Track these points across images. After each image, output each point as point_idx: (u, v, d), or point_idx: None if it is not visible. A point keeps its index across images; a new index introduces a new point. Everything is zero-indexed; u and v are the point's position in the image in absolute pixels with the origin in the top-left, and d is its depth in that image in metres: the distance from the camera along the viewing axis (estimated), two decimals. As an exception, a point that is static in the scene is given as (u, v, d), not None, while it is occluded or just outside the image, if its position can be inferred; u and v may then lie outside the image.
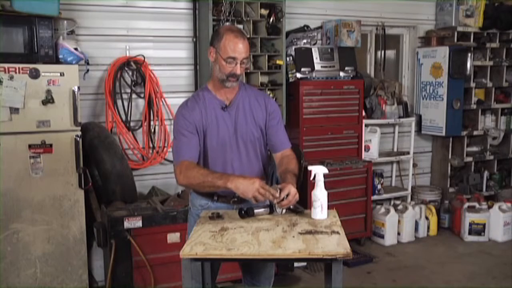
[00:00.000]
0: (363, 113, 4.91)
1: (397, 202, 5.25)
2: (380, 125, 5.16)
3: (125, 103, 4.18)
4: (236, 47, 2.30)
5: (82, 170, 3.52)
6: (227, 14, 4.14)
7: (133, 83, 4.19)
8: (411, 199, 5.48)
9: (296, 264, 4.14)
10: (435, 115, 5.39)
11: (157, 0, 4.28)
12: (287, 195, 2.22)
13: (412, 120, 5.40)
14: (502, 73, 5.66)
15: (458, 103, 5.29)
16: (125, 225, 3.49)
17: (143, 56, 4.16)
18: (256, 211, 2.31)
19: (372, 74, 5.49)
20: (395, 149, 5.61)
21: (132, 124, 4.23)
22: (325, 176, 2.31)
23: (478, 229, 5.02)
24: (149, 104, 4.25)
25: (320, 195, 2.28)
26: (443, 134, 5.37)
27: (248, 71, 4.35)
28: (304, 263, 4.22)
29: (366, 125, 5.00)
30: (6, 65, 3.26)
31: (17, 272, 3.42)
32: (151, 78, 4.23)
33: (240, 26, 4.18)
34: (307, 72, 4.55)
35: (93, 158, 3.71)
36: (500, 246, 4.93)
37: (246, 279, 2.70)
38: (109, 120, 4.11)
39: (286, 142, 2.57)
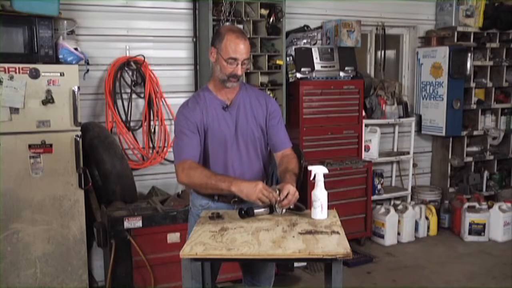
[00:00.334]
0: (363, 113, 4.92)
1: (397, 202, 5.25)
2: (380, 125, 5.16)
3: (125, 103, 4.18)
4: (237, 48, 2.30)
5: (82, 170, 3.52)
6: (227, 14, 4.14)
7: (133, 83, 4.19)
8: (411, 199, 5.48)
9: (296, 264, 4.14)
10: (435, 115, 5.39)
11: (157, 0, 4.29)
12: (287, 195, 2.22)
13: (412, 120, 5.40)
14: (502, 73, 5.66)
15: (458, 103, 5.29)
16: (125, 225, 3.49)
17: (143, 56, 4.16)
18: (256, 211, 2.31)
19: (372, 74, 5.49)
20: (395, 149, 5.61)
21: (132, 124, 4.23)
22: (325, 176, 2.31)
23: (478, 229, 5.02)
24: (149, 104, 4.25)
25: (320, 195, 2.28)
26: (443, 134, 5.37)
27: (248, 71, 4.35)
28: (304, 263, 4.22)
29: (366, 125, 5.00)
30: (6, 65, 3.26)
31: (17, 272, 3.42)
32: (151, 78, 4.23)
33: (240, 26, 4.17)
34: (307, 72, 4.55)
35: (93, 158, 3.71)
36: (500, 246, 4.93)
37: (246, 279, 2.70)
38: (109, 120, 4.11)
39: (286, 141, 2.57)
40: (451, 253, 4.78)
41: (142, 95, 4.24)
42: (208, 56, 4.19)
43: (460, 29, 5.36)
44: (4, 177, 3.32)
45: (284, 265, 3.96)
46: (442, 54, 5.25)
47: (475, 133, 5.61)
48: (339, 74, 4.71)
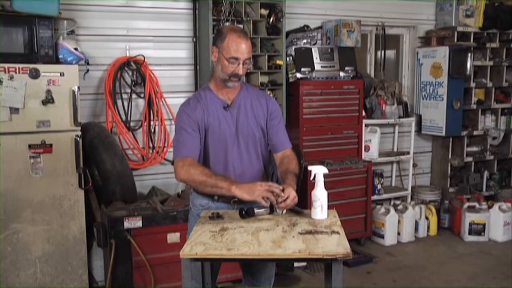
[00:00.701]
0: (363, 113, 4.91)
1: (397, 202, 5.26)
2: (380, 125, 5.16)
3: (125, 103, 4.18)
4: (239, 48, 2.30)
5: (82, 170, 3.52)
6: (227, 14, 4.14)
7: (133, 83, 4.19)
8: (411, 199, 5.48)
9: (296, 264, 4.14)
10: (435, 115, 5.39)
11: (157, 0, 4.29)
12: (286, 198, 2.22)
13: (412, 120, 5.40)
14: (502, 73, 5.66)
15: (458, 103, 5.29)
16: (125, 225, 3.49)
17: (143, 56, 4.16)
18: (256, 211, 2.31)
19: (372, 74, 5.49)
20: (395, 149, 5.61)
21: (132, 124, 4.23)
22: (325, 176, 2.31)
23: (478, 229, 5.02)
24: (149, 104, 4.25)
25: (320, 195, 2.28)
26: (443, 134, 5.37)
27: (248, 71, 4.35)
28: (304, 263, 4.22)
29: (366, 125, 5.00)
30: (6, 65, 3.26)
31: (17, 272, 3.42)
32: (151, 78, 4.23)
33: (240, 26, 4.17)
34: (307, 72, 4.55)
35: (93, 158, 3.71)
36: (500, 246, 4.93)
37: (246, 279, 2.70)
38: (109, 120, 4.11)
39: (286, 142, 2.58)
40: (451, 253, 4.78)
41: (142, 95, 4.24)
42: (208, 56, 4.24)
43: (460, 29, 5.35)
44: (4, 177, 3.32)
45: (284, 265, 3.96)
46: (442, 54, 5.25)
47: (475, 133, 5.61)
48: (339, 74, 4.71)
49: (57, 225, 3.50)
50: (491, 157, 5.75)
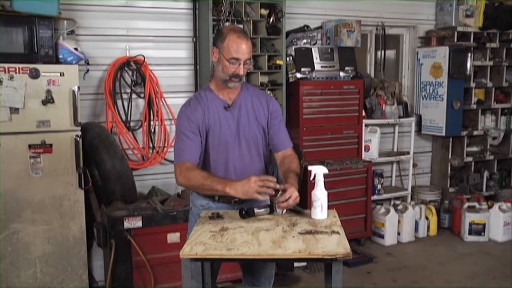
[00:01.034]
0: (363, 113, 4.91)
1: (397, 202, 5.26)
2: (380, 125, 5.16)
3: (125, 103, 4.18)
4: (240, 48, 2.30)
5: (82, 170, 3.52)
6: (227, 14, 4.14)
7: (133, 83, 4.19)
8: (411, 199, 5.48)
9: (296, 264, 4.15)
10: (435, 115, 5.39)
11: (157, 0, 4.28)
12: (288, 198, 2.22)
13: (412, 120, 5.40)
14: (502, 73, 5.65)
15: (458, 103, 5.29)
16: (125, 225, 3.49)
17: (143, 56, 4.16)
18: (256, 211, 2.31)
19: (372, 74, 5.49)
20: (395, 149, 5.61)
21: (132, 124, 4.23)
22: (325, 176, 2.31)
23: (478, 229, 5.02)
24: (149, 104, 4.25)
25: (320, 195, 2.29)
26: (443, 134, 5.37)
27: (249, 71, 4.34)
28: (304, 263, 4.22)
29: (366, 125, 5.00)
30: (6, 65, 3.25)
31: (17, 272, 3.42)
32: (151, 78, 4.23)
33: (240, 26, 4.17)
34: (307, 72, 4.55)
35: (93, 158, 3.71)
36: (500, 246, 4.93)
37: (246, 279, 2.70)
38: (109, 120, 4.11)
39: (287, 142, 2.58)
40: (451, 253, 4.78)
41: (142, 95, 4.23)
42: (208, 56, 4.24)
43: (460, 29, 5.35)
44: (4, 177, 3.32)
45: (284, 265, 3.96)
46: (442, 54, 5.25)
47: (475, 133, 5.61)
48: (339, 74, 4.71)
49: (57, 225, 3.50)
50: (491, 157, 5.75)
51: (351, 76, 4.78)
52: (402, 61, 5.77)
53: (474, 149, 5.79)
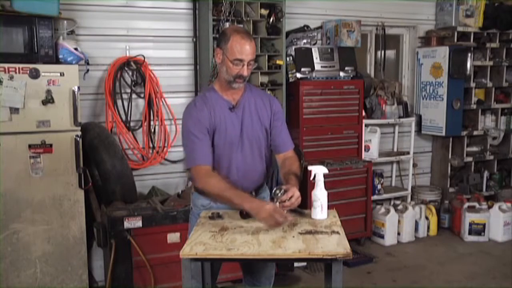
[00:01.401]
0: (363, 113, 4.91)
1: (397, 202, 5.26)
2: (380, 125, 5.15)
3: (125, 103, 4.18)
4: (243, 49, 2.29)
5: (82, 170, 3.52)
6: (227, 14, 4.14)
7: (133, 83, 4.19)
8: (411, 199, 5.48)
9: (296, 264, 4.15)
10: (435, 115, 5.39)
11: (157, 0, 4.28)
12: (291, 197, 2.22)
13: (412, 120, 5.40)
14: (502, 73, 5.65)
15: (458, 103, 5.29)
16: (125, 225, 3.49)
17: (143, 56, 4.16)
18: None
19: (372, 74, 5.49)
20: (395, 149, 5.61)
21: (132, 124, 4.23)
22: (325, 176, 2.32)
23: (478, 229, 5.02)
24: (149, 104, 4.25)
25: (320, 195, 2.29)
26: (443, 134, 5.37)
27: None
28: (304, 263, 4.22)
29: (366, 125, 5.00)
30: (6, 65, 3.25)
31: (17, 272, 3.42)
32: (151, 78, 4.23)
33: (240, 26, 4.17)
34: (307, 72, 4.55)
35: (93, 158, 3.71)
36: (500, 246, 4.93)
37: (246, 279, 2.70)
38: (109, 120, 4.11)
39: (289, 143, 2.58)
40: (451, 253, 4.78)
41: (142, 95, 4.23)
42: (208, 56, 4.24)
43: (460, 29, 5.35)
44: (4, 177, 3.32)
45: (284, 265, 3.96)
46: (442, 54, 5.25)
47: (475, 133, 5.61)
48: (339, 74, 4.71)
49: (57, 225, 3.50)
50: (491, 157, 5.75)
51: (351, 76, 4.78)
52: (402, 61, 5.77)
53: (474, 149, 5.79)
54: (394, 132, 5.59)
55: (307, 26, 4.78)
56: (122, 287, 3.53)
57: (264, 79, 4.55)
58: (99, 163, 3.69)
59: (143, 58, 4.16)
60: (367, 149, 5.00)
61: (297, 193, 2.24)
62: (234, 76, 2.34)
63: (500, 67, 5.64)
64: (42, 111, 3.38)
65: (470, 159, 5.60)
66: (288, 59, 4.52)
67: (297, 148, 4.08)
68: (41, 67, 3.36)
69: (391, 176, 5.64)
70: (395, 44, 5.77)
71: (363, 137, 4.91)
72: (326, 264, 2.10)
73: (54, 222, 3.49)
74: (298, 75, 4.52)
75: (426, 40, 5.58)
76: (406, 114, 5.37)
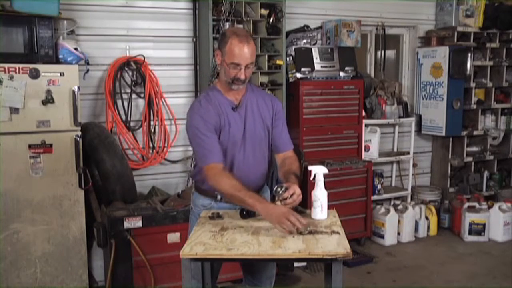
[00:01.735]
0: (363, 113, 4.91)
1: (397, 202, 5.25)
2: (380, 125, 5.15)
3: (125, 103, 4.18)
4: (241, 53, 2.28)
5: (82, 170, 3.52)
6: (227, 14, 4.14)
7: (133, 83, 4.19)
8: (411, 199, 5.48)
9: (296, 264, 4.15)
10: (435, 115, 5.39)
11: (157, 0, 4.28)
12: (293, 194, 2.22)
13: (412, 120, 5.40)
14: (502, 73, 5.65)
15: (458, 103, 5.29)
16: (125, 225, 3.49)
17: (143, 56, 4.16)
18: (257, 211, 2.31)
19: (372, 74, 5.49)
20: (395, 149, 5.61)
21: (132, 124, 4.23)
22: (325, 176, 2.32)
23: (478, 229, 5.02)
24: (149, 104, 4.25)
25: (320, 195, 2.29)
26: (443, 134, 5.37)
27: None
28: (304, 263, 4.22)
29: (366, 125, 5.00)
30: (6, 65, 3.25)
31: (17, 272, 3.42)
32: (151, 78, 4.23)
33: (240, 26, 4.18)
34: (307, 72, 4.55)
35: (93, 158, 3.71)
36: (500, 246, 4.93)
37: (247, 279, 2.70)
38: (109, 120, 4.11)
39: (289, 143, 2.58)
40: (451, 253, 4.78)
41: (142, 95, 4.23)
42: (208, 56, 4.24)
43: (460, 29, 5.35)
44: (4, 177, 3.32)
45: (284, 265, 3.96)
46: (442, 54, 5.25)
47: (475, 133, 5.61)
48: (339, 74, 4.71)
49: (57, 225, 3.50)
50: (491, 157, 5.75)
51: (351, 76, 4.78)
52: (402, 61, 5.77)
53: (474, 149, 5.79)
54: (394, 132, 5.59)
55: (307, 26, 4.78)
56: (122, 287, 3.53)
57: (264, 79, 4.55)
58: (99, 163, 3.69)
59: (143, 58, 4.16)
60: (367, 149, 5.00)
61: (298, 191, 2.23)
62: (232, 79, 2.34)
63: (500, 67, 5.64)
64: (42, 111, 3.38)
65: (470, 159, 5.60)
66: (288, 59, 4.52)
67: (297, 148, 4.08)
68: (41, 67, 3.36)
69: (391, 176, 5.64)
70: (395, 44, 5.77)
71: (363, 137, 4.91)
72: (326, 264, 2.10)
73: (54, 222, 3.49)
74: (298, 75, 4.52)
75: (426, 40, 5.58)
76: (406, 114, 5.36)
